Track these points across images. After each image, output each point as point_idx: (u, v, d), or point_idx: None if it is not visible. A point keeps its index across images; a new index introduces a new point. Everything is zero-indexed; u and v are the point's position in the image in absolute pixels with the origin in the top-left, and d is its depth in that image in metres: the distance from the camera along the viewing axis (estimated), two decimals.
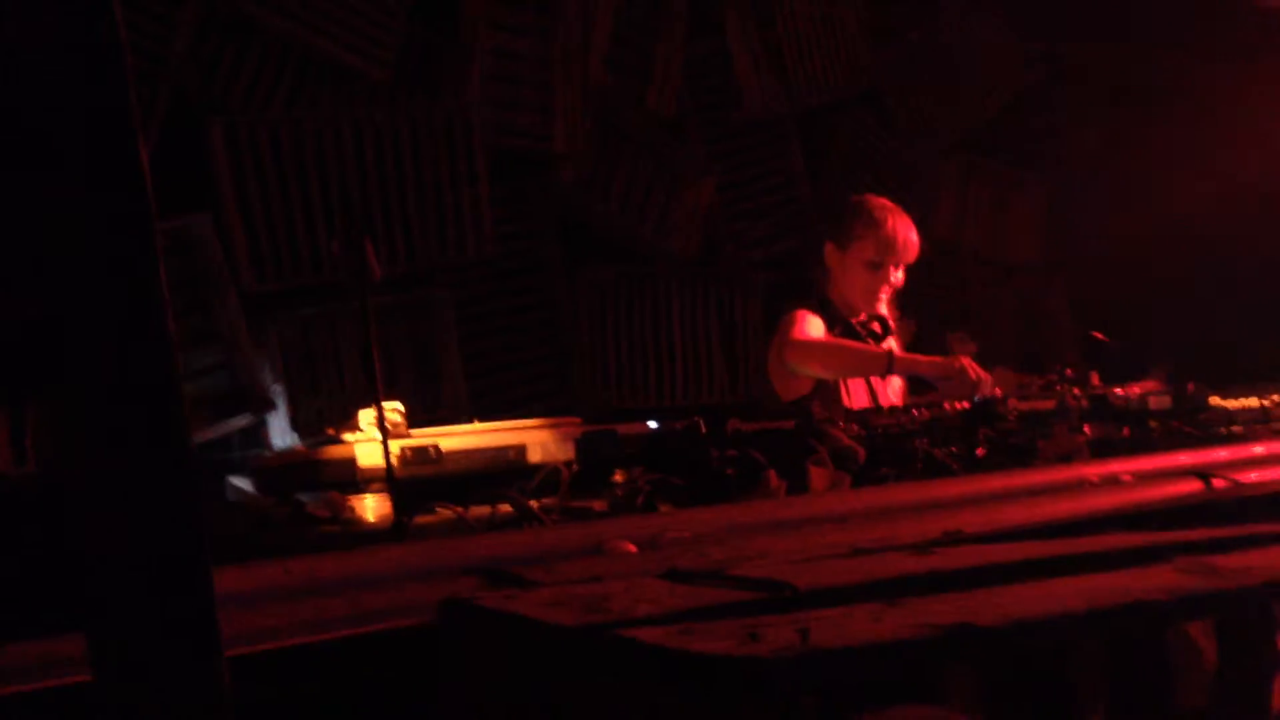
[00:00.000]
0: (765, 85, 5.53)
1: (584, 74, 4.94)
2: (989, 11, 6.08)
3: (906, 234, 3.48)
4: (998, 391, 3.13)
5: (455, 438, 2.42)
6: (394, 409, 2.36)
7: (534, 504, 2.18)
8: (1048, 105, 6.12)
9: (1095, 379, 3.17)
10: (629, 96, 5.19)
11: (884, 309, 3.50)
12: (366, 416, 2.42)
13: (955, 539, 1.28)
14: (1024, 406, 2.77)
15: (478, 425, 2.57)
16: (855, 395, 3.45)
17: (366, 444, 2.35)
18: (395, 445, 2.25)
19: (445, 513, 2.16)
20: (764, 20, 5.53)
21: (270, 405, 4.19)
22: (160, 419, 0.79)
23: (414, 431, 2.44)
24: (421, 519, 2.11)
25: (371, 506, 2.32)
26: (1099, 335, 3.41)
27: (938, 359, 3.27)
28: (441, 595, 1.04)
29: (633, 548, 1.47)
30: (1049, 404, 2.82)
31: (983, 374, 3.19)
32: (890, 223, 3.47)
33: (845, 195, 3.75)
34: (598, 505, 2.27)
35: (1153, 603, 0.85)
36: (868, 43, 5.83)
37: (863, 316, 3.51)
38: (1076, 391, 2.94)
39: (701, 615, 0.86)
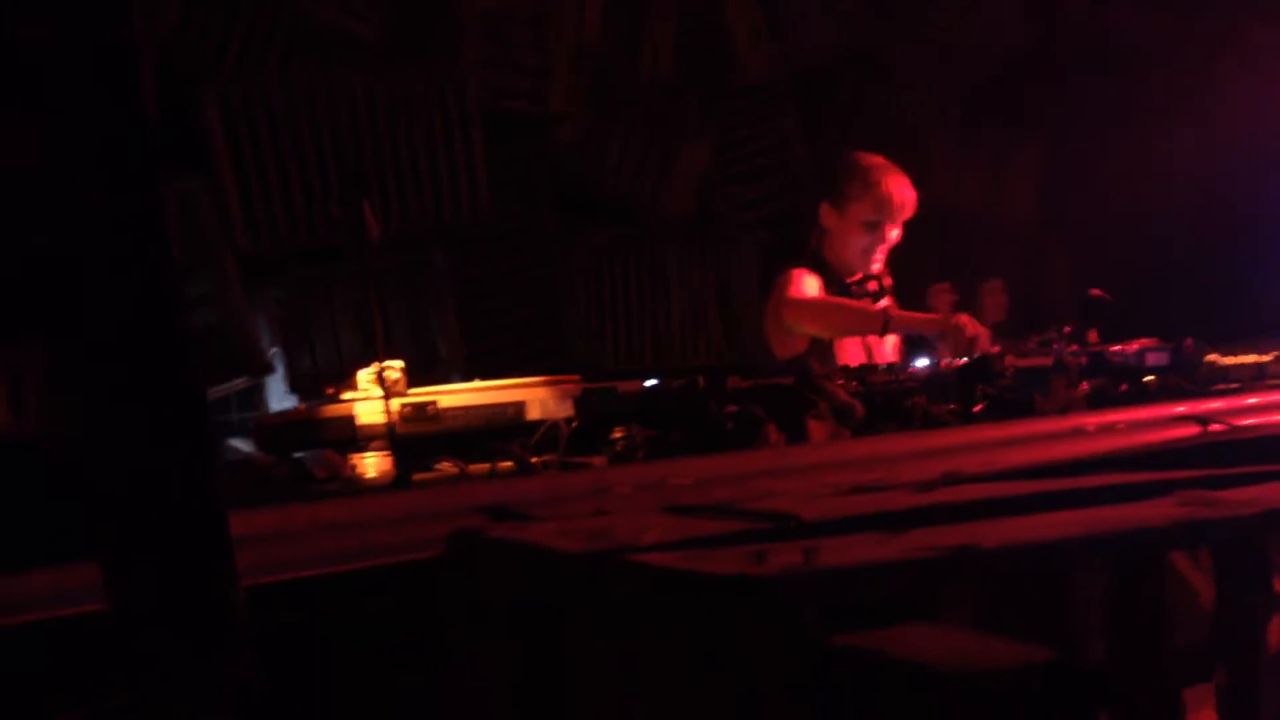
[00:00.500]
0: (761, 45, 5.49)
1: (579, 35, 4.90)
2: None
3: (903, 192, 3.48)
4: (995, 348, 3.13)
5: (454, 395, 2.43)
6: (392, 367, 2.36)
7: (534, 460, 2.19)
8: (1048, 63, 6.09)
9: (1093, 336, 3.18)
10: (624, 56, 5.16)
11: (879, 267, 3.51)
12: (365, 375, 2.42)
13: (955, 479, 1.29)
14: (1021, 363, 2.78)
15: (476, 383, 2.56)
16: (851, 354, 3.46)
17: (365, 402, 2.35)
18: (394, 403, 2.25)
19: (446, 469, 2.17)
20: None
21: (268, 368, 4.19)
22: (170, 353, 0.80)
23: (412, 390, 2.44)
24: (421, 476, 2.12)
25: (371, 464, 2.33)
26: (1097, 292, 3.41)
27: (934, 316, 3.27)
28: (445, 532, 1.05)
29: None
30: (1046, 361, 2.83)
31: (979, 329, 3.20)
32: (886, 181, 3.48)
33: (839, 154, 3.74)
34: (597, 461, 2.28)
35: (1152, 529, 0.85)
36: (865, 2, 5.79)
37: (859, 276, 3.51)
38: (1074, 348, 2.95)
39: (707, 543, 0.87)
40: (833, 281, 3.50)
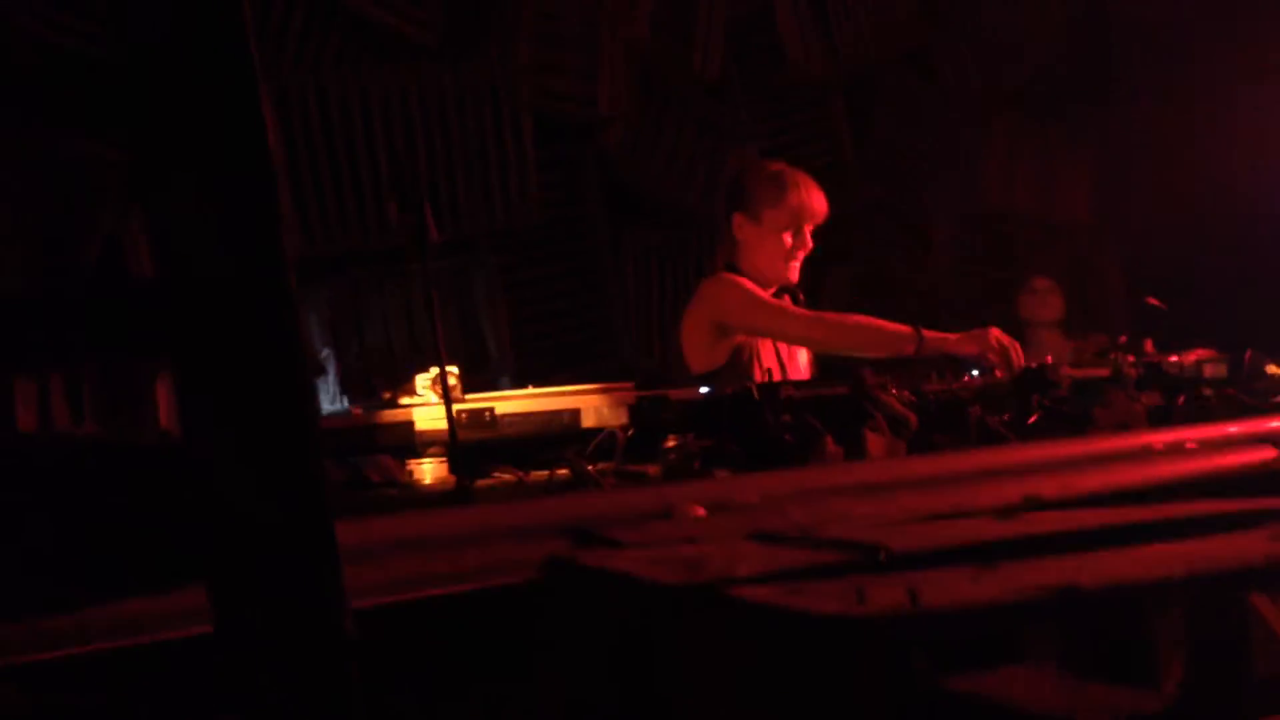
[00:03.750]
0: (809, 46, 5.48)
1: (629, 37, 4.91)
2: None
3: (816, 196, 3.36)
4: (1048, 358, 3.09)
5: (510, 402, 2.44)
6: (451, 372, 2.37)
7: (591, 468, 2.19)
8: (1099, 63, 6.03)
9: (1149, 346, 3.13)
10: (673, 58, 5.16)
11: (796, 277, 3.38)
12: (423, 380, 2.44)
13: (1035, 504, 1.28)
14: (1077, 374, 2.75)
15: (531, 390, 2.58)
16: (767, 366, 3.31)
17: (424, 408, 2.37)
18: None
19: (504, 476, 2.19)
20: None
21: (319, 369, 4.23)
22: (286, 381, 0.81)
23: (468, 396, 2.46)
24: (479, 483, 2.14)
25: (429, 470, 2.34)
26: (1154, 301, 3.37)
27: (965, 335, 3.14)
28: (534, 554, 1.05)
29: (701, 510, 1.47)
30: (1103, 371, 2.80)
31: (1012, 343, 3.08)
32: (801, 187, 3.35)
33: (749, 165, 3.65)
34: (652, 470, 2.29)
35: (1253, 569, 0.85)
36: (913, 3, 5.76)
37: (774, 289, 3.38)
38: (1130, 359, 2.91)
39: (801, 575, 0.87)
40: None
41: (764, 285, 3.34)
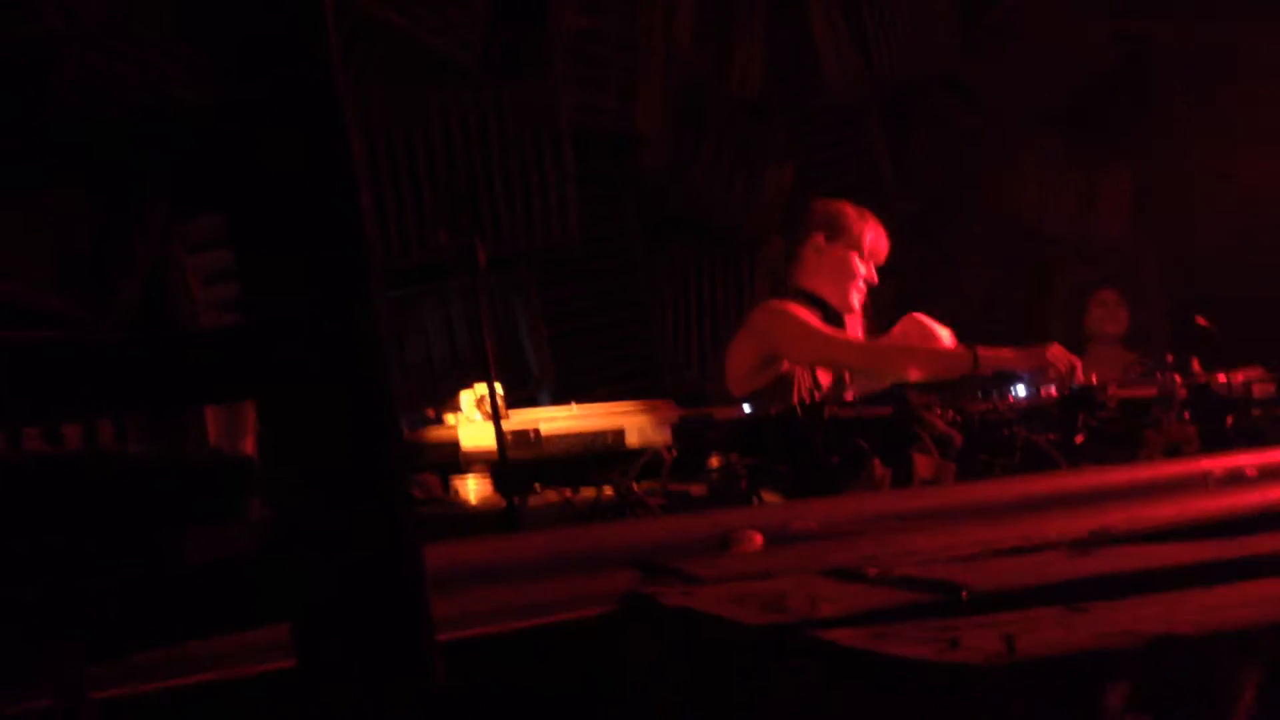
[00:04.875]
0: (847, 66, 5.48)
1: (667, 55, 4.92)
2: None
3: (883, 236, 3.43)
4: (1094, 378, 3.06)
5: (554, 421, 2.45)
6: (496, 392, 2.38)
7: (635, 487, 2.19)
8: (1137, 84, 5.99)
9: (1196, 366, 3.09)
10: (712, 77, 5.17)
11: (858, 306, 3.39)
12: (468, 399, 2.44)
13: (1106, 538, 1.27)
14: (1124, 394, 2.72)
15: (575, 409, 2.58)
16: (804, 389, 3.31)
17: (469, 426, 2.38)
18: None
19: (549, 495, 2.19)
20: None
21: None
22: (374, 414, 0.81)
23: (513, 414, 2.46)
24: (534, 501, 2.14)
25: (474, 489, 2.35)
26: (1201, 320, 3.33)
27: (1024, 351, 3.12)
28: (604, 586, 1.05)
29: (759, 537, 1.47)
30: (1149, 391, 2.77)
31: (1074, 360, 3.07)
32: (865, 222, 3.42)
33: (816, 201, 3.66)
34: (695, 489, 2.28)
35: None
36: (951, 23, 5.74)
37: (854, 313, 3.39)
38: (1178, 379, 2.88)
39: (884, 617, 0.86)
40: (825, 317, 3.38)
41: (827, 309, 3.35)
